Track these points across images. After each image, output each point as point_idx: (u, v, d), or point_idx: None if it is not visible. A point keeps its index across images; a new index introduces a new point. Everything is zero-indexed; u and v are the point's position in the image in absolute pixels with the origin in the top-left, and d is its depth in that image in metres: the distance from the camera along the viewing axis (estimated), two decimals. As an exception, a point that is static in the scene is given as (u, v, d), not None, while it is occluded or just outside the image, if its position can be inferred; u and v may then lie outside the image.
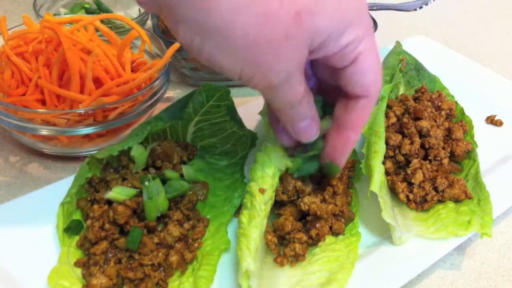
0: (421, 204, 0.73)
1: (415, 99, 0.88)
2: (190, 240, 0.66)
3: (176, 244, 0.64)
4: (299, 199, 0.68)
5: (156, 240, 0.63)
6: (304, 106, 0.57)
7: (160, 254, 0.62)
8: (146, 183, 0.63)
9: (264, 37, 0.47)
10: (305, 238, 0.65)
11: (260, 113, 0.83)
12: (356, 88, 0.56)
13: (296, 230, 0.66)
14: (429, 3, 1.07)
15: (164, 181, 0.68)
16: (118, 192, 0.64)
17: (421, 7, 1.07)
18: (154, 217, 0.64)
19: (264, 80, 0.51)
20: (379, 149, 0.72)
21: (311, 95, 0.58)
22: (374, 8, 1.07)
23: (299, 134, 0.61)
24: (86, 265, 0.62)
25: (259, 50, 0.48)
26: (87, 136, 0.79)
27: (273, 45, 0.47)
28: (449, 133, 0.81)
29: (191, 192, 0.70)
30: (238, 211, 0.72)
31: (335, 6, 0.49)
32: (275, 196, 0.69)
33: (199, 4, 0.45)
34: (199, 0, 0.44)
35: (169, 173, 0.70)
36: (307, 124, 0.59)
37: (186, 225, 0.67)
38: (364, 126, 0.78)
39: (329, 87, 0.63)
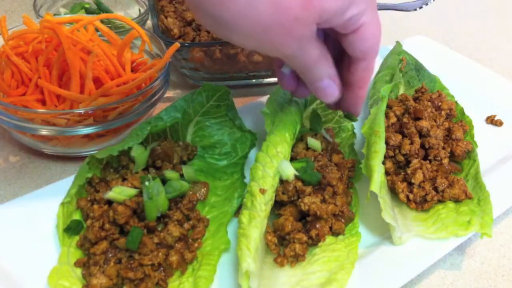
0: (421, 204, 0.73)
1: (415, 99, 0.88)
2: (190, 240, 0.66)
3: (176, 244, 0.64)
4: (299, 199, 0.68)
5: (156, 240, 0.63)
6: (321, 66, 0.62)
7: (160, 254, 0.62)
8: (146, 183, 0.63)
9: (277, 21, 0.53)
10: (305, 238, 0.65)
11: (262, 112, 0.83)
12: (356, 52, 0.63)
13: (296, 230, 0.66)
14: (429, 3, 1.07)
15: (164, 181, 0.68)
16: (118, 192, 0.64)
17: (421, 7, 1.07)
18: (154, 217, 0.64)
19: (278, 52, 0.58)
20: (379, 149, 0.72)
21: (329, 57, 0.62)
22: (374, 8, 1.07)
23: (319, 93, 0.65)
24: (86, 265, 0.62)
25: (272, 32, 0.54)
26: (87, 136, 0.79)
27: (284, 27, 0.54)
28: (449, 133, 0.81)
29: (191, 192, 0.70)
30: (238, 211, 0.72)
31: None
32: (275, 196, 0.69)
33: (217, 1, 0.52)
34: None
35: (169, 173, 0.70)
36: (326, 83, 0.64)
37: (186, 225, 0.67)
38: (364, 125, 0.79)
39: (334, 48, 0.69)
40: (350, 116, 0.75)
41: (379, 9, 1.07)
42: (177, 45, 0.82)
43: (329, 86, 0.65)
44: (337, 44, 0.66)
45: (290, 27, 0.54)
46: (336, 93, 0.66)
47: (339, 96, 0.67)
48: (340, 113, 0.90)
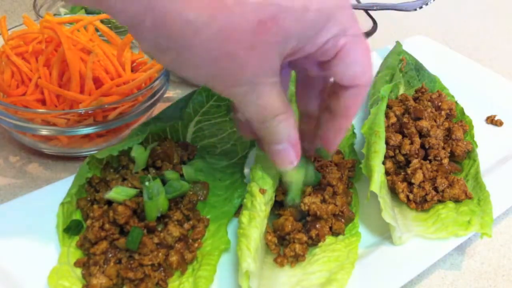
0: (421, 204, 0.73)
1: (415, 99, 0.88)
2: (190, 241, 0.66)
3: (176, 245, 0.64)
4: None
5: (156, 240, 0.63)
6: (281, 126, 0.53)
7: (160, 254, 0.62)
8: (146, 183, 0.63)
9: (228, 52, 0.44)
10: (305, 238, 0.65)
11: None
12: (344, 80, 0.54)
13: (296, 230, 0.66)
14: (429, 3, 1.07)
15: (164, 181, 0.68)
16: (118, 192, 0.64)
17: (421, 7, 1.07)
18: (154, 217, 0.64)
19: (229, 91, 0.50)
20: (379, 149, 0.72)
21: (292, 113, 0.54)
22: (374, 8, 1.07)
23: (273, 157, 0.57)
24: (86, 265, 0.62)
25: (223, 64, 0.46)
26: (87, 136, 0.79)
27: (237, 57, 0.45)
28: (449, 133, 0.81)
29: (191, 193, 0.70)
30: (238, 211, 0.72)
31: (305, 7, 0.45)
32: (275, 196, 0.69)
33: (158, 26, 0.43)
34: (157, 22, 0.43)
35: (169, 173, 0.70)
36: (283, 148, 0.55)
37: (186, 225, 0.67)
38: (364, 125, 0.78)
39: (318, 77, 0.62)
40: (322, 153, 0.65)
41: (379, 9, 1.07)
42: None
43: (287, 153, 0.56)
44: (312, 68, 0.58)
45: (245, 57, 0.45)
46: (293, 162, 0.57)
47: (295, 164, 0.58)
48: None
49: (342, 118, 0.59)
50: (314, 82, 0.63)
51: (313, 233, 0.66)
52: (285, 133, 0.54)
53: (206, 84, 0.51)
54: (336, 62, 0.52)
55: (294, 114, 0.55)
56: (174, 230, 0.64)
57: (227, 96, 0.52)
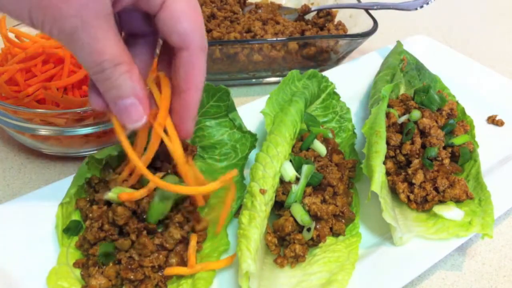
0: (422, 205, 0.72)
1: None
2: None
3: (176, 247, 0.64)
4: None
5: (156, 241, 0.63)
6: (124, 77, 0.48)
7: (161, 256, 0.62)
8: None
9: None
10: (305, 239, 0.65)
11: (262, 112, 0.82)
12: (173, 36, 0.51)
13: (297, 231, 0.66)
14: (429, 2, 1.06)
15: None
16: (117, 193, 0.64)
17: (421, 7, 1.07)
18: (157, 219, 0.63)
19: (56, 26, 0.45)
20: (380, 149, 0.71)
21: (137, 70, 0.50)
22: (375, 7, 1.07)
23: (120, 114, 0.52)
24: (85, 265, 0.62)
25: None
26: (86, 136, 0.78)
27: None
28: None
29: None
30: (238, 212, 0.72)
31: None
32: (276, 196, 0.69)
33: None
34: None
35: (169, 178, 0.69)
36: (130, 103, 0.50)
37: (186, 227, 0.66)
38: (364, 125, 0.78)
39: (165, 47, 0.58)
40: (180, 136, 0.58)
41: (380, 9, 1.07)
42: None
43: (133, 107, 0.51)
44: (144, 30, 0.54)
45: None
46: (142, 118, 0.52)
47: (144, 121, 0.53)
48: (340, 112, 0.90)
49: (183, 92, 0.55)
50: (164, 49, 0.58)
51: (314, 233, 0.66)
52: (129, 85, 0.49)
53: (32, 22, 0.45)
54: (163, 15, 0.50)
55: (135, 67, 0.50)
56: (175, 233, 0.64)
57: (56, 37, 0.46)
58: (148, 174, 0.57)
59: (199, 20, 0.53)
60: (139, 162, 0.57)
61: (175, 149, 0.57)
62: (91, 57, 0.47)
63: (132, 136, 0.60)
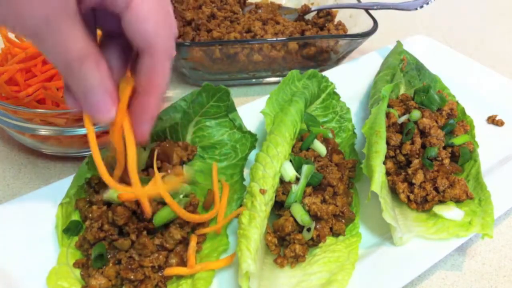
0: (422, 205, 0.72)
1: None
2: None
3: (176, 247, 0.64)
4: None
5: (157, 242, 0.63)
6: (90, 71, 0.48)
7: (161, 256, 0.62)
8: (181, 196, 0.64)
9: None
10: (305, 239, 0.65)
11: (262, 112, 0.82)
12: (137, 37, 0.50)
13: (297, 231, 0.66)
14: (429, 2, 1.06)
15: None
16: (114, 193, 0.64)
17: (421, 6, 1.06)
18: (161, 224, 0.63)
19: (20, 24, 0.45)
20: (380, 149, 0.71)
21: (104, 63, 0.50)
22: (375, 7, 1.07)
23: (90, 108, 0.52)
24: (85, 266, 0.62)
25: None
26: (86, 136, 0.78)
27: None
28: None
29: (192, 195, 0.70)
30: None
31: None
32: (275, 196, 0.69)
33: None
34: None
35: (169, 177, 0.69)
36: (98, 95, 0.50)
37: (186, 228, 0.66)
38: (364, 125, 0.78)
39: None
40: (135, 138, 0.57)
41: (379, 8, 1.07)
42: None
43: (102, 100, 0.51)
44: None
45: None
46: (111, 111, 0.52)
47: (114, 113, 0.53)
48: (340, 112, 0.90)
49: (143, 95, 0.54)
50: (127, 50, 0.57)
51: (314, 233, 0.66)
52: (97, 77, 0.49)
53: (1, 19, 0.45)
54: (129, 15, 0.49)
55: (102, 60, 0.50)
56: (176, 233, 0.64)
57: (20, 34, 0.46)
58: (115, 186, 0.58)
59: (167, 22, 0.51)
60: (103, 167, 0.57)
61: (128, 151, 0.56)
62: (57, 53, 0.47)
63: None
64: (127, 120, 0.55)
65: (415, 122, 0.78)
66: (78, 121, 0.75)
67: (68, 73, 0.49)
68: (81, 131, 0.75)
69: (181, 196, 0.65)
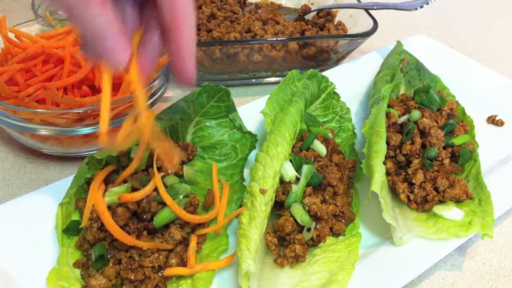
0: (422, 205, 0.72)
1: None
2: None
3: (176, 247, 0.64)
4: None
5: (157, 242, 0.63)
6: (97, 15, 0.48)
7: (161, 257, 0.62)
8: (181, 197, 0.64)
9: None
10: (305, 239, 0.65)
11: (262, 112, 0.82)
12: None
13: (297, 231, 0.66)
14: (429, 2, 1.06)
15: (164, 185, 0.67)
16: (111, 195, 0.64)
17: (421, 7, 1.06)
18: (162, 225, 0.63)
19: None
20: (380, 149, 0.71)
21: (108, 6, 0.49)
22: (375, 7, 1.07)
23: (102, 55, 0.50)
24: (85, 266, 0.62)
25: None
26: (86, 136, 0.78)
27: None
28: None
29: (192, 196, 0.70)
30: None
31: None
32: (275, 196, 0.69)
33: None
34: None
35: (169, 178, 0.69)
36: (110, 41, 0.49)
37: (186, 228, 0.66)
38: (364, 125, 0.78)
39: None
40: (182, 82, 0.56)
41: (379, 9, 1.07)
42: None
43: (114, 43, 0.49)
44: None
45: None
46: (126, 52, 0.50)
47: (128, 56, 0.51)
48: (340, 112, 0.90)
49: (171, 31, 0.52)
50: None
51: (314, 233, 0.65)
52: (103, 22, 0.48)
53: None
54: None
55: (111, 4, 0.49)
56: (176, 233, 0.64)
57: None
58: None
59: None
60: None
61: (138, 95, 0.55)
62: (85, 23, 0.47)
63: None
64: (134, 63, 0.54)
65: (415, 122, 0.78)
66: (78, 121, 0.75)
67: (76, 20, 0.48)
68: (81, 131, 0.74)
69: (181, 197, 0.65)
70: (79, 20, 0.48)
